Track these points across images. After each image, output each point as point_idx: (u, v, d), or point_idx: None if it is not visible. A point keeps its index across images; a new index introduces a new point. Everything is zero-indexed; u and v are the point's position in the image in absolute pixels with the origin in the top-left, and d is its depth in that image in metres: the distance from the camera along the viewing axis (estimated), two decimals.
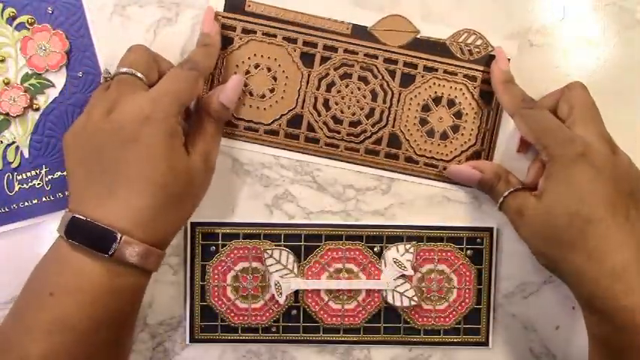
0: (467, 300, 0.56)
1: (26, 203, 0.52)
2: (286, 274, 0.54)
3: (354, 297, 0.55)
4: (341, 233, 0.55)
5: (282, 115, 0.54)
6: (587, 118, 0.49)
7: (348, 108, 0.54)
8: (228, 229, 0.54)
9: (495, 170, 0.53)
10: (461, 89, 0.54)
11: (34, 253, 0.52)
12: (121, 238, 0.43)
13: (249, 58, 0.53)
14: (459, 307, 0.56)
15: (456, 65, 0.54)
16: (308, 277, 0.54)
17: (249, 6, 0.53)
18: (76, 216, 0.44)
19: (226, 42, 0.53)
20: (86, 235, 0.44)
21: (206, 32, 0.52)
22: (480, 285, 0.56)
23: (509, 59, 0.53)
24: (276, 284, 0.54)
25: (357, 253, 0.55)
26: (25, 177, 0.52)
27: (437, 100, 0.54)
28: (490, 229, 0.55)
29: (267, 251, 0.54)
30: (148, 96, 0.46)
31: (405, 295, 0.55)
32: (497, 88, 0.52)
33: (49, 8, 0.52)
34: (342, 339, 0.55)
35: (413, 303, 0.55)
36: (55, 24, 0.52)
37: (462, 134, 0.55)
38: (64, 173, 0.53)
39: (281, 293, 0.54)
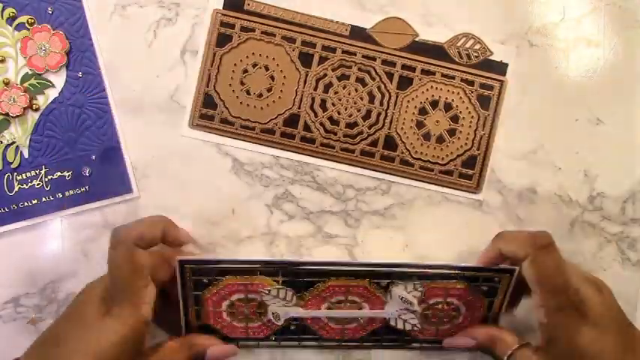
0: (473, 324, 0.54)
1: (26, 203, 0.53)
2: (285, 305, 0.52)
3: (356, 319, 0.53)
4: (345, 271, 0.51)
5: (279, 114, 0.54)
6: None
7: (345, 109, 0.54)
8: (220, 266, 0.50)
9: (488, 333, 0.52)
10: (458, 93, 0.54)
11: (33, 253, 0.53)
12: None
13: (247, 56, 0.53)
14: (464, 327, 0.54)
15: (453, 69, 0.54)
16: (308, 307, 0.52)
17: (249, 4, 0.53)
18: None
19: (225, 40, 0.53)
20: None
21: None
22: (489, 311, 0.53)
23: None
24: (273, 313, 0.52)
25: (362, 289, 0.51)
26: (24, 177, 0.53)
27: (434, 104, 0.54)
28: (511, 271, 0.51)
29: (267, 290, 0.51)
30: None
31: (409, 322, 0.53)
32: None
33: (49, 8, 0.52)
34: (341, 345, 0.54)
35: (416, 329, 0.53)
36: (55, 24, 0.52)
37: (459, 138, 0.54)
38: (64, 173, 0.53)
39: (279, 319, 0.52)
